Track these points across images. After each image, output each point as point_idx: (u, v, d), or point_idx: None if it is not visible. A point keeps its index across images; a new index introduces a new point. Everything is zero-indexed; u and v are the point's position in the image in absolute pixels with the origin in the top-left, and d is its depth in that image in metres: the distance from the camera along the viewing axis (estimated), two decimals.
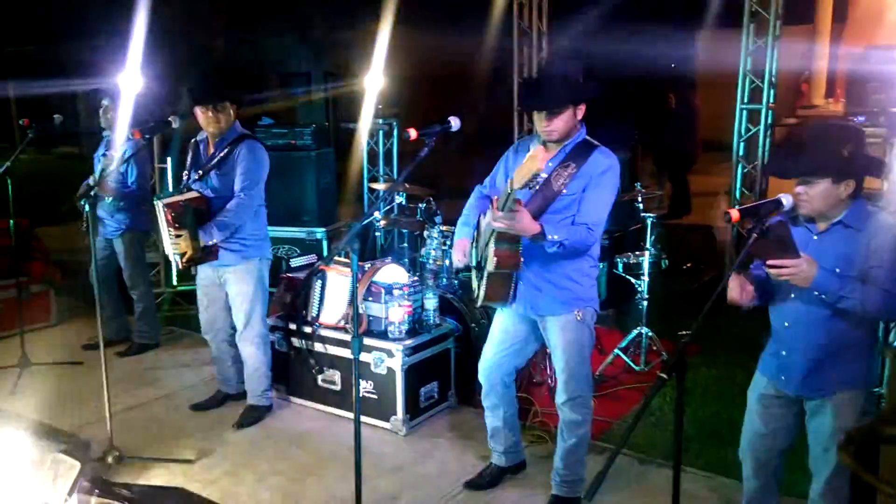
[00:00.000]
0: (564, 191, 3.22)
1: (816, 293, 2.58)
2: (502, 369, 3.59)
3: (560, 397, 3.47)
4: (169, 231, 4.15)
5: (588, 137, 3.33)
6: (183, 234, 4.11)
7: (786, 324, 2.80)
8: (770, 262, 2.52)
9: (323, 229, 6.51)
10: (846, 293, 2.54)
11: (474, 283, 3.51)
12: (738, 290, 2.73)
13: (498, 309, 3.58)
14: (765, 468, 3.00)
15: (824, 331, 2.69)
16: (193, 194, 4.22)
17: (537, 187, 3.19)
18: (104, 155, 5.41)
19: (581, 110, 3.25)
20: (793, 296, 2.73)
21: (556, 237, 3.09)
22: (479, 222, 3.51)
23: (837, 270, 2.59)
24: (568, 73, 3.28)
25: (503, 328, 3.55)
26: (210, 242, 4.17)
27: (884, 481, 1.44)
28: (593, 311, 3.43)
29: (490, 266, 3.18)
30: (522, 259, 3.18)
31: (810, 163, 2.62)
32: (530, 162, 2.87)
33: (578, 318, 3.34)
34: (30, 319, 5.95)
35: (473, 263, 3.46)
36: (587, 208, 3.21)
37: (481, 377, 3.66)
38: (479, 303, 3.45)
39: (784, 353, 2.82)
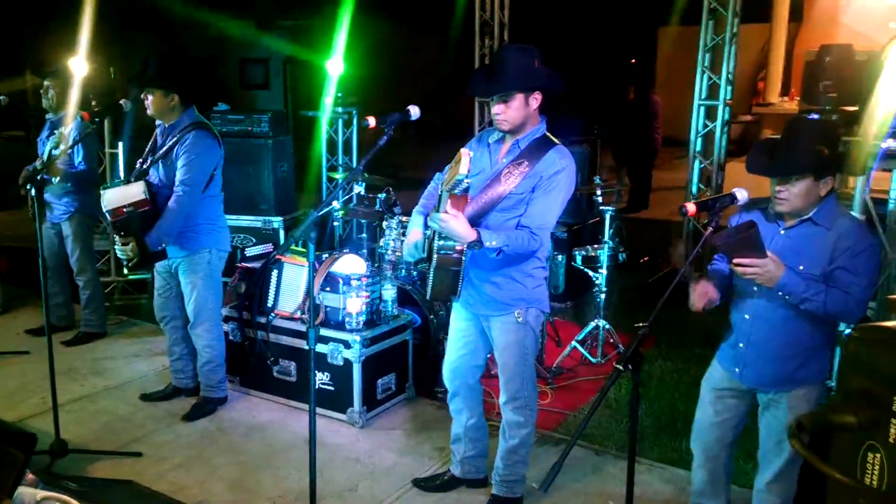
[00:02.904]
0: (513, 189, 3.07)
1: (780, 293, 2.61)
2: (463, 370, 3.46)
3: (502, 397, 3.39)
4: (114, 237, 4.04)
5: (548, 134, 3.17)
6: (130, 242, 3.98)
7: (746, 316, 2.82)
8: (737, 260, 2.54)
9: (280, 218, 6.42)
10: (810, 295, 2.56)
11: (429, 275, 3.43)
12: (701, 297, 2.74)
13: (453, 306, 3.49)
14: (714, 459, 3.03)
15: (785, 327, 2.71)
16: (138, 193, 4.04)
17: (461, 190, 2.95)
18: (48, 137, 5.25)
19: (536, 99, 3.08)
20: (755, 289, 2.74)
21: (493, 244, 2.96)
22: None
23: (801, 268, 2.61)
24: (519, 60, 3.08)
25: (457, 327, 3.45)
26: (159, 248, 4.07)
27: (836, 470, 1.45)
28: (538, 311, 3.28)
29: (433, 261, 3.09)
30: (465, 257, 3.05)
31: (794, 161, 2.60)
32: (455, 166, 2.78)
33: (519, 319, 3.21)
34: None
35: (424, 255, 3.32)
36: (534, 211, 3.06)
37: (445, 380, 3.55)
38: (428, 296, 3.33)
39: (742, 345, 2.84)
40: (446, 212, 2.90)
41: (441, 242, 3.05)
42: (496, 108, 3.06)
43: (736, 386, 2.90)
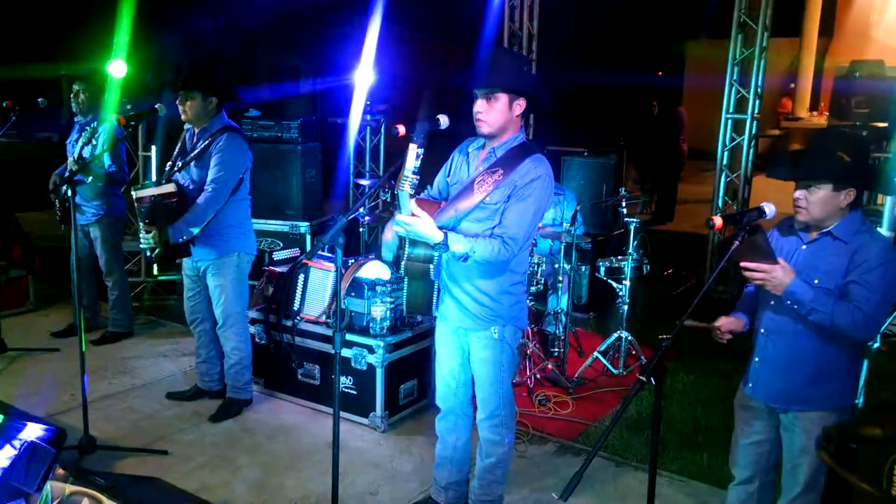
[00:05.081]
0: (487, 199, 2.95)
1: (788, 302, 2.57)
2: (455, 386, 3.34)
3: (479, 414, 3.27)
4: (140, 225, 4.13)
5: (527, 143, 3.06)
6: (153, 231, 4.06)
7: (762, 331, 2.80)
8: (744, 263, 2.51)
9: (307, 223, 6.49)
10: (817, 306, 2.51)
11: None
12: (724, 334, 2.76)
13: (437, 322, 3.36)
14: (749, 481, 2.94)
15: (797, 342, 2.67)
16: (169, 188, 4.15)
17: (412, 186, 2.81)
18: (77, 140, 5.35)
19: (520, 105, 2.97)
20: (772, 303, 2.73)
21: (460, 248, 2.86)
22: None
23: (816, 281, 2.57)
24: (510, 62, 3.04)
25: (442, 342, 3.34)
26: (181, 240, 4.10)
27: (862, 480, 1.46)
28: (516, 329, 3.19)
29: (401, 270, 3.02)
30: (432, 267, 2.96)
31: (813, 167, 2.56)
32: (407, 162, 2.72)
33: (495, 335, 3.12)
34: (7, 304, 5.92)
35: (402, 272, 3.21)
36: (508, 220, 2.94)
37: (438, 399, 3.42)
38: (405, 310, 3.23)
39: (757, 359, 2.83)
40: (412, 213, 2.83)
41: (408, 250, 2.98)
42: (478, 106, 2.96)
43: (754, 403, 2.85)
